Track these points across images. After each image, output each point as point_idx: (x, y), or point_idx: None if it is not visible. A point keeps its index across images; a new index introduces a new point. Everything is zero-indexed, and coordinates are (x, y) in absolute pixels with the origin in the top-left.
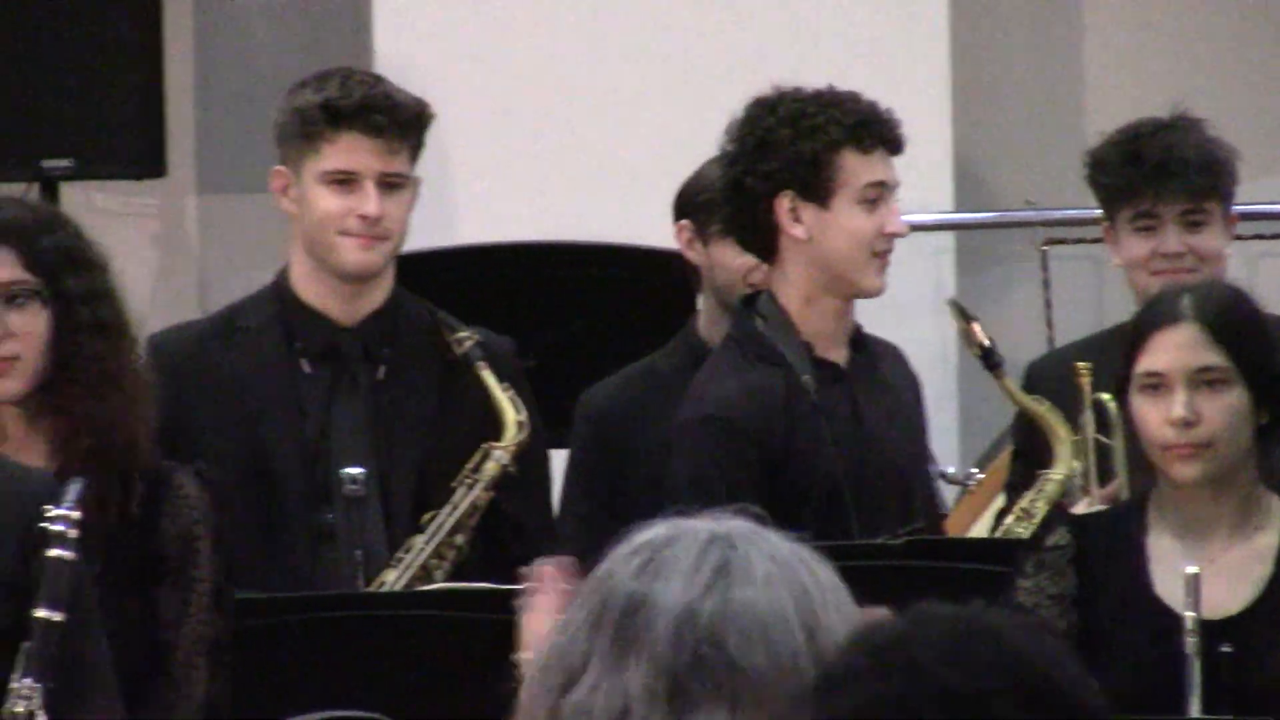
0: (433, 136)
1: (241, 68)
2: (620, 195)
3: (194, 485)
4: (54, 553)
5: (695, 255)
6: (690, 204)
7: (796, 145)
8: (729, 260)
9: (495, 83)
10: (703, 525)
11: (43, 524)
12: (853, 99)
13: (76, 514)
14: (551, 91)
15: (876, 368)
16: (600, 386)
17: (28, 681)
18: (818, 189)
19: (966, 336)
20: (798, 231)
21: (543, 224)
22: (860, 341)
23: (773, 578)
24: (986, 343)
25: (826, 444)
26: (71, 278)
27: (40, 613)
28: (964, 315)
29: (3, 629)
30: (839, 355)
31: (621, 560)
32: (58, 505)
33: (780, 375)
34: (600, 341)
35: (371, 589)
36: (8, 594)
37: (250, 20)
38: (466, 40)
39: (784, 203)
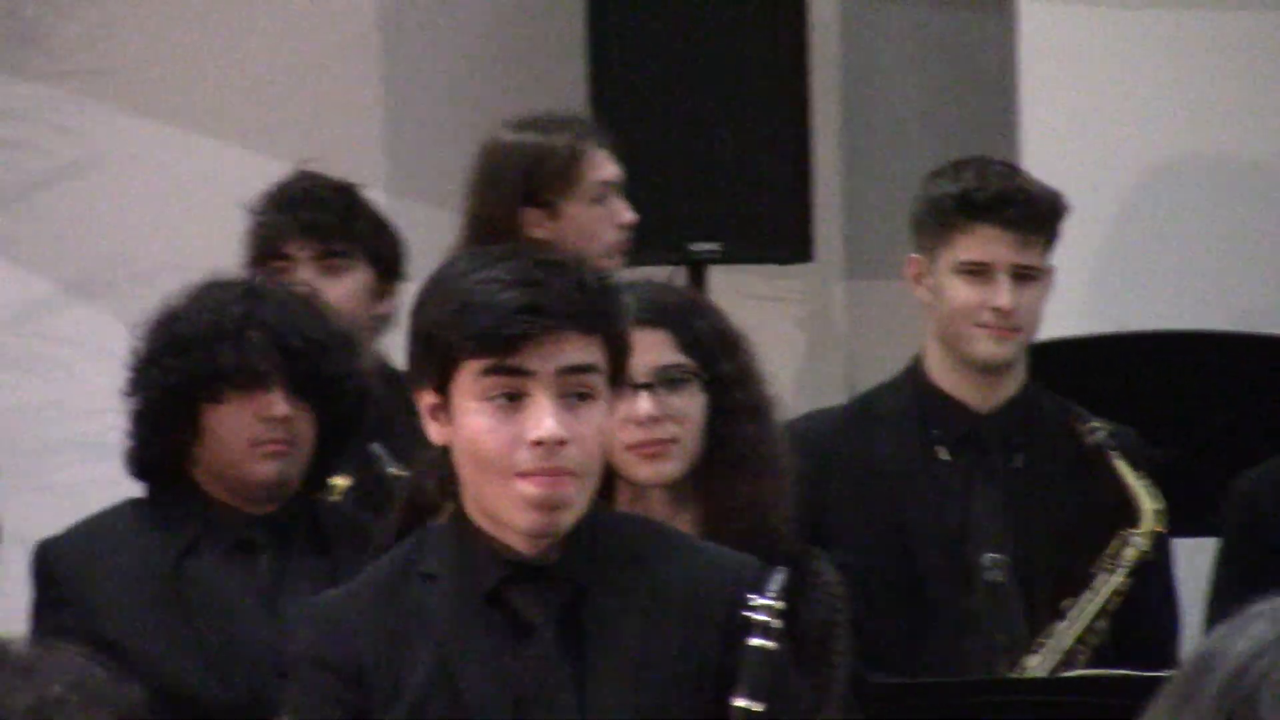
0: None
1: (889, 153)
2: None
3: (832, 571)
4: (756, 642)
5: None
6: None
7: None
8: None
9: (1118, 179)
10: None
11: (747, 612)
12: None
13: (780, 604)
14: (1167, 178)
15: None
16: (1255, 472)
17: None
18: None
19: None
20: None
21: (1171, 312)
22: None
23: None
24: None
25: None
26: (726, 361)
27: (740, 702)
28: None
29: (704, 717)
30: None
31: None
32: (761, 594)
33: None
34: (1241, 432)
35: (1014, 675)
36: (708, 681)
37: (897, 106)
38: (1111, 124)
39: None
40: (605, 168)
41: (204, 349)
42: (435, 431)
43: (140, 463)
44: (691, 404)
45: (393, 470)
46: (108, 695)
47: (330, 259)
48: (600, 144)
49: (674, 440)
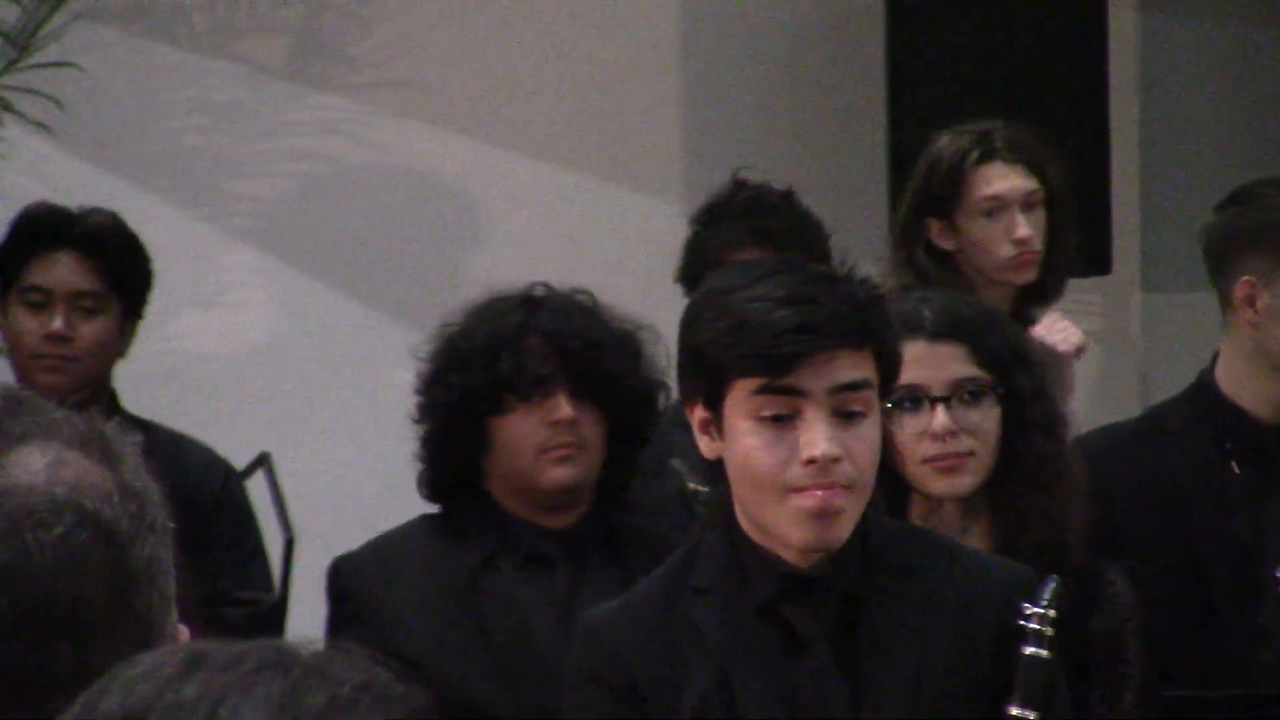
0: None
1: (1185, 166)
2: None
3: (1124, 582)
4: (1030, 650)
5: None
6: None
7: None
8: None
9: None
10: None
11: (1021, 620)
12: None
13: (1052, 612)
14: None
15: None
16: None
17: None
18: None
19: None
20: None
21: None
22: None
23: None
24: None
25: None
26: (1022, 375)
27: (1014, 711)
28: None
29: None
30: None
31: None
32: (1034, 602)
33: None
34: None
35: None
36: (982, 690)
37: (1195, 120)
38: None
39: None
40: (998, 182)
41: (484, 361)
42: (706, 446)
43: (433, 485)
44: (987, 418)
45: (693, 485)
46: (395, 696)
47: None
48: (1006, 156)
49: (970, 454)
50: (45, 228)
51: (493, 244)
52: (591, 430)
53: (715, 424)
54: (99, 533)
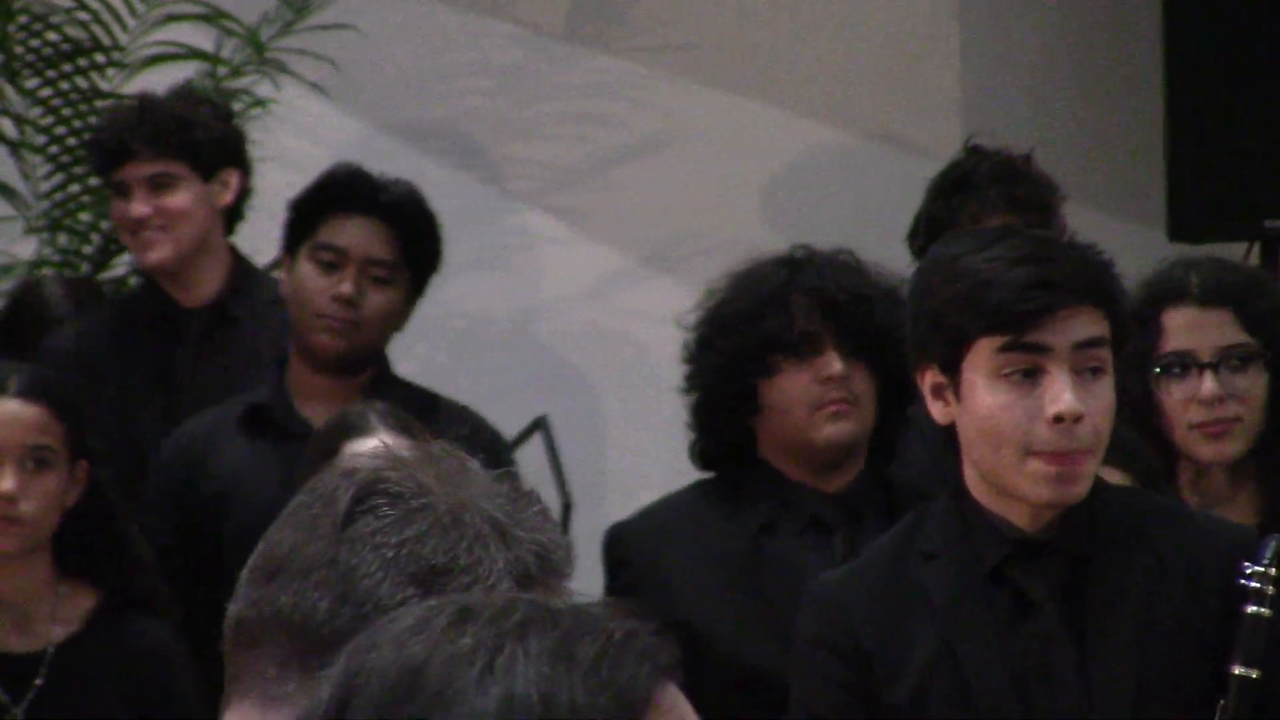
0: None
1: None
2: None
3: None
4: (1252, 609)
5: None
6: None
7: None
8: None
9: None
10: None
11: (1243, 580)
12: None
13: (1274, 571)
14: None
15: None
16: None
17: None
18: None
19: None
20: None
21: None
22: None
23: None
24: None
25: None
26: None
27: (1237, 669)
28: None
29: (1200, 686)
30: None
31: None
32: (1257, 561)
33: None
34: None
35: None
36: (1206, 650)
37: None
38: None
39: None
40: None
41: (750, 323)
42: (940, 411)
43: (704, 453)
44: (1255, 383)
45: None
46: (659, 646)
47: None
48: None
49: (1237, 419)
50: (349, 190)
51: (769, 206)
52: (863, 385)
53: (951, 388)
54: None
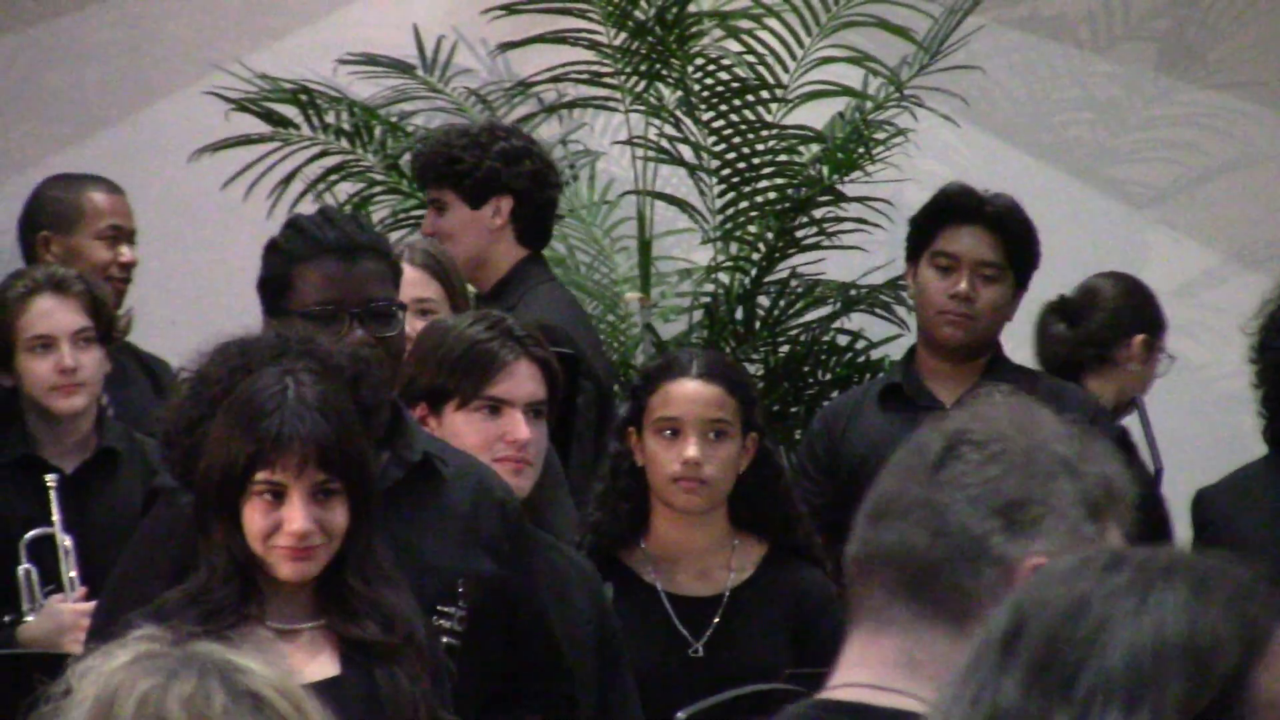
0: None
1: None
2: None
3: None
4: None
5: None
6: None
7: None
8: None
9: None
10: None
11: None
12: None
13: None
14: None
15: None
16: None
17: None
18: None
19: None
20: None
21: None
22: None
23: None
24: None
25: None
26: None
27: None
28: None
29: None
30: None
31: None
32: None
33: None
34: None
35: None
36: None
37: None
38: None
39: None
40: None
41: None
42: None
43: (1274, 436)
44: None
45: None
46: (1268, 593)
47: None
48: None
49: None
50: (960, 204)
51: None
52: None
53: None
54: None
